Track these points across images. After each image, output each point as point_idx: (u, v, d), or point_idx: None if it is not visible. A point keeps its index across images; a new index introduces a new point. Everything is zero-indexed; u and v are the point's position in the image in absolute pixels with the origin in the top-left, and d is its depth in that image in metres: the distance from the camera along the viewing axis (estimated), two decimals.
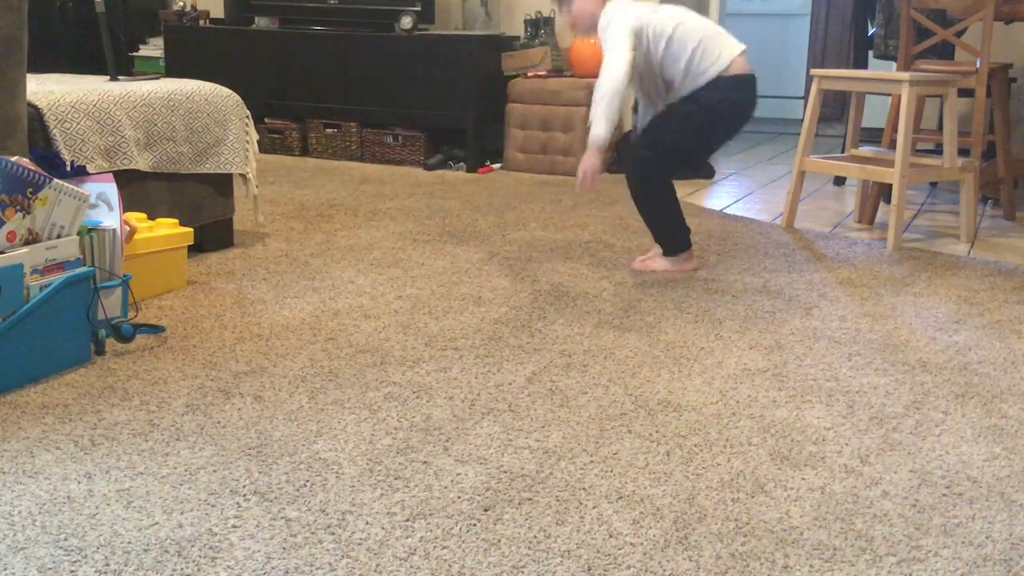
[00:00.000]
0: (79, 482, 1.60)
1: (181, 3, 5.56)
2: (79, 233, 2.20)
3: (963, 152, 3.81)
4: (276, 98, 5.31)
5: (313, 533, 1.46)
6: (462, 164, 5.01)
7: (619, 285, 2.87)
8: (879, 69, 4.66)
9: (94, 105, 2.70)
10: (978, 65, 3.77)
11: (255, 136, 3.24)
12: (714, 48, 2.92)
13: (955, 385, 2.15)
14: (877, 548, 1.47)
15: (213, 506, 1.54)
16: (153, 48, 5.71)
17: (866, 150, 3.93)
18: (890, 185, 3.59)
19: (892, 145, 3.77)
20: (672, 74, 2.94)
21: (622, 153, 5.10)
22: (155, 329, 2.32)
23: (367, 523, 1.50)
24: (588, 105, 4.88)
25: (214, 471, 1.66)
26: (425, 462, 1.71)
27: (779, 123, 7.19)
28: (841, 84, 3.81)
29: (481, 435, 1.82)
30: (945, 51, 4.53)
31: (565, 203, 4.11)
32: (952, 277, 3.07)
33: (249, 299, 2.64)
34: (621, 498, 1.59)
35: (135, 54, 5.74)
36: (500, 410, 1.94)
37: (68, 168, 2.33)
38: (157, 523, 1.48)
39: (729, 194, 4.59)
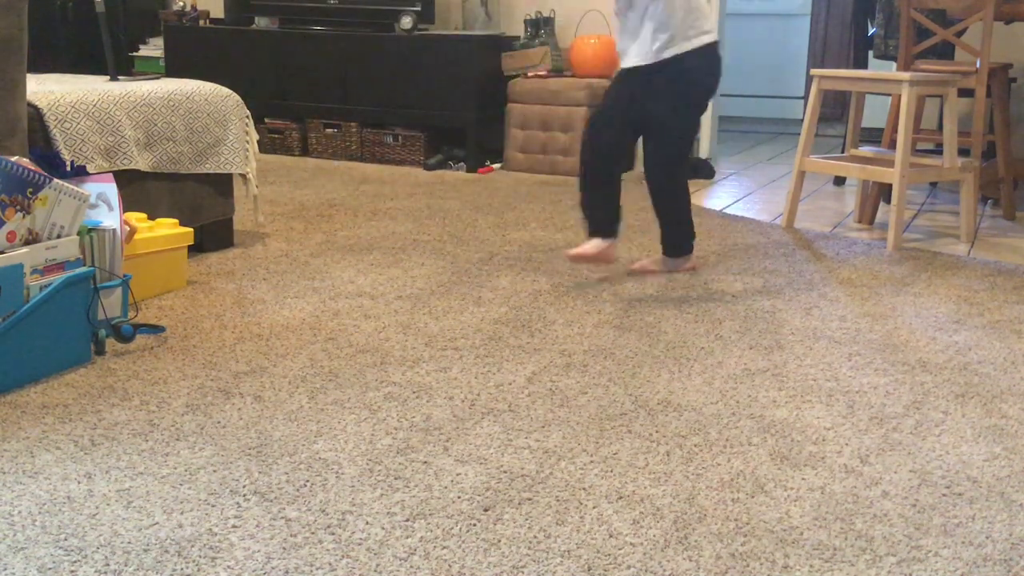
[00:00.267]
0: (79, 482, 1.60)
1: (181, 3, 5.56)
2: (79, 233, 2.20)
3: (963, 152, 3.81)
4: (276, 98, 5.31)
5: (313, 533, 1.46)
6: (462, 164, 5.01)
7: (619, 285, 2.88)
8: (879, 69, 4.66)
9: (94, 105, 2.70)
10: (978, 65, 3.77)
11: (255, 136, 3.24)
12: (703, 12, 2.86)
13: (955, 385, 2.15)
14: (877, 548, 1.47)
15: (213, 506, 1.54)
16: (153, 48, 5.71)
17: (866, 150, 3.93)
18: (890, 185, 3.59)
19: (892, 145, 3.77)
20: (666, 18, 2.77)
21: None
22: (155, 329, 2.32)
23: (367, 523, 1.50)
24: (588, 105, 4.89)
25: (214, 471, 1.66)
26: (425, 462, 1.71)
27: (779, 123, 7.19)
28: (841, 84, 3.81)
29: (481, 435, 1.82)
30: (945, 51, 4.53)
31: (565, 203, 4.11)
32: (952, 277, 3.07)
33: (249, 299, 2.64)
34: (621, 498, 1.59)
35: (135, 54, 5.74)
36: (500, 410, 1.94)
37: (68, 168, 2.33)
38: (157, 523, 1.48)
39: (729, 194, 4.59)
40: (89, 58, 5.16)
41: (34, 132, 2.52)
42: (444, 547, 1.44)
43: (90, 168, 2.54)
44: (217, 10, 5.68)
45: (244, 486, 1.60)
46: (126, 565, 1.37)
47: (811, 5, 7.17)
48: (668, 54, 2.78)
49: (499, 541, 1.46)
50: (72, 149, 2.62)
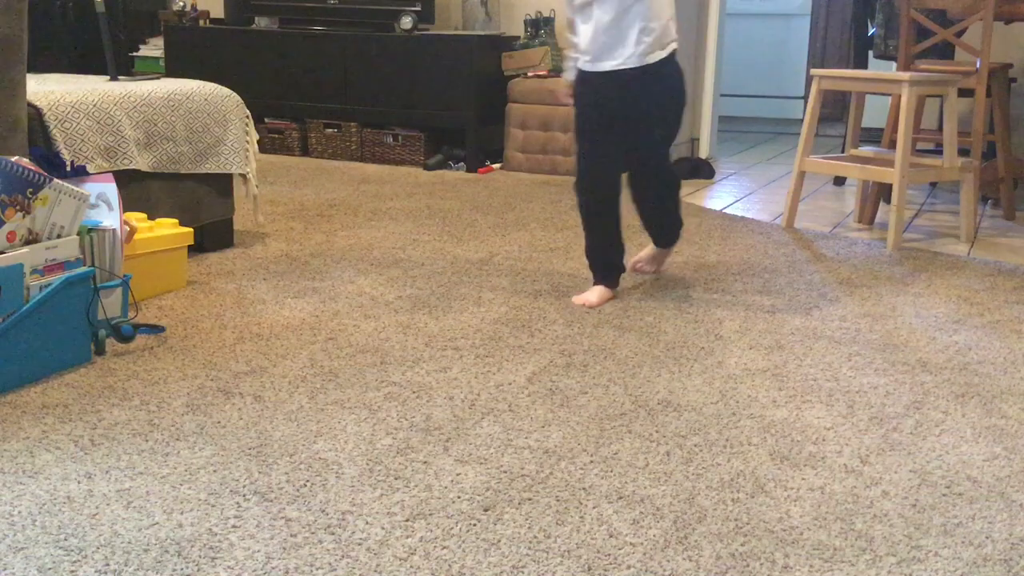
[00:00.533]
0: (79, 482, 1.60)
1: (181, 3, 5.56)
2: (79, 233, 2.20)
3: (963, 152, 3.81)
4: (276, 98, 5.31)
5: (313, 533, 1.46)
6: (462, 164, 5.01)
7: (619, 285, 2.87)
8: (879, 69, 4.67)
9: (94, 105, 2.70)
10: (978, 65, 3.77)
11: (255, 136, 3.24)
12: (674, 17, 2.68)
13: (955, 385, 2.15)
14: (877, 548, 1.47)
15: (213, 506, 1.54)
16: (153, 48, 5.71)
17: (866, 150, 3.93)
18: (890, 185, 3.59)
19: (892, 145, 3.77)
20: (653, 19, 2.58)
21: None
22: (155, 329, 2.32)
23: (367, 523, 1.50)
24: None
25: (214, 471, 1.66)
26: (425, 462, 1.71)
27: (779, 123, 7.20)
28: (841, 84, 3.81)
29: (481, 435, 1.82)
30: (945, 51, 4.53)
31: (565, 203, 4.11)
32: (952, 277, 3.07)
33: (249, 299, 2.64)
34: (621, 498, 1.59)
35: (135, 54, 5.74)
36: (500, 410, 1.94)
37: (68, 168, 2.33)
38: (157, 523, 1.48)
39: (729, 194, 4.59)
40: (89, 58, 5.16)
41: (34, 132, 2.52)
42: (444, 547, 1.44)
43: (90, 168, 2.54)
44: (217, 10, 5.68)
45: (244, 486, 1.60)
46: (126, 565, 1.37)
47: (811, 5, 7.17)
48: (653, 59, 2.59)
49: (499, 541, 1.46)
50: (72, 149, 2.62)
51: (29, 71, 2.46)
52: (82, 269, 2.15)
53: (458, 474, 1.66)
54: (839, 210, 4.24)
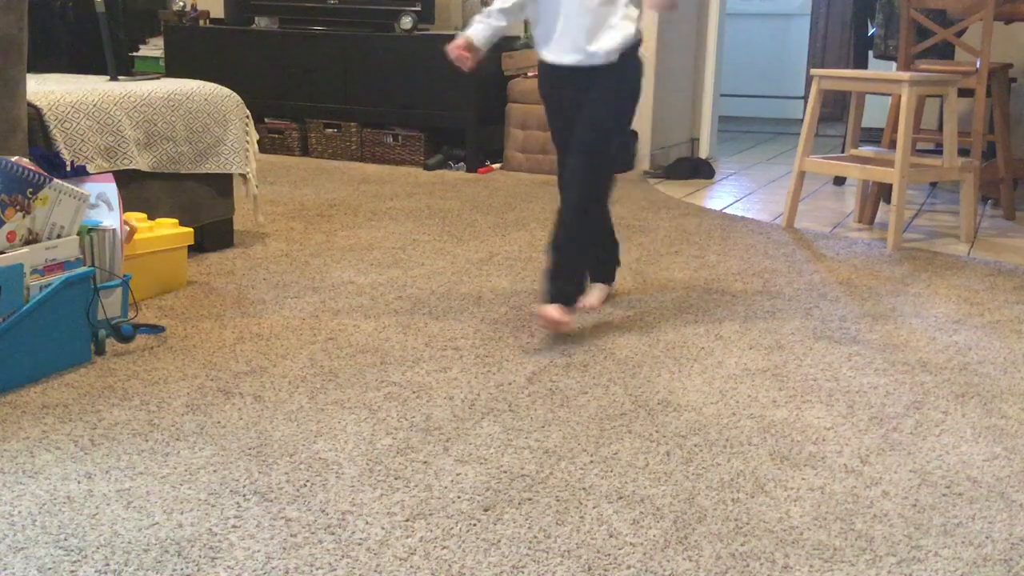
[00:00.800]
0: (79, 482, 1.60)
1: (181, 3, 5.56)
2: (79, 233, 2.20)
3: (963, 152, 3.81)
4: (276, 98, 5.31)
5: (313, 533, 1.46)
6: (462, 164, 5.01)
7: (619, 285, 2.87)
8: (879, 69, 4.66)
9: (94, 105, 2.70)
10: (978, 65, 3.77)
11: (255, 136, 3.24)
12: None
13: (955, 385, 2.15)
14: (877, 548, 1.47)
15: (213, 506, 1.54)
16: (153, 48, 5.71)
17: (866, 150, 3.93)
18: (890, 185, 3.59)
19: (892, 145, 3.77)
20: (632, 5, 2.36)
21: (620, 153, 5.11)
22: (155, 329, 2.32)
23: (367, 523, 1.50)
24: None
25: (214, 471, 1.66)
26: (425, 462, 1.71)
27: (779, 123, 7.20)
28: (841, 84, 3.81)
29: (481, 435, 1.82)
30: (945, 51, 4.53)
31: None
32: (952, 277, 3.07)
33: (249, 299, 2.64)
34: (621, 498, 1.59)
35: (135, 54, 5.74)
36: (500, 410, 1.94)
37: (68, 168, 2.33)
38: (157, 523, 1.48)
39: (729, 194, 4.59)
40: (89, 58, 5.16)
41: (34, 132, 2.52)
42: (444, 547, 1.44)
43: (90, 168, 2.54)
44: (217, 10, 5.68)
45: (244, 486, 1.60)
46: (126, 565, 1.37)
47: (811, 5, 7.17)
48: (624, 50, 2.37)
49: (499, 541, 1.46)
50: (72, 149, 2.62)
51: (29, 71, 2.46)
52: (82, 269, 2.15)
53: (458, 474, 1.66)
54: (839, 210, 4.24)
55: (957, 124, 3.58)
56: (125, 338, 2.22)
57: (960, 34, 3.96)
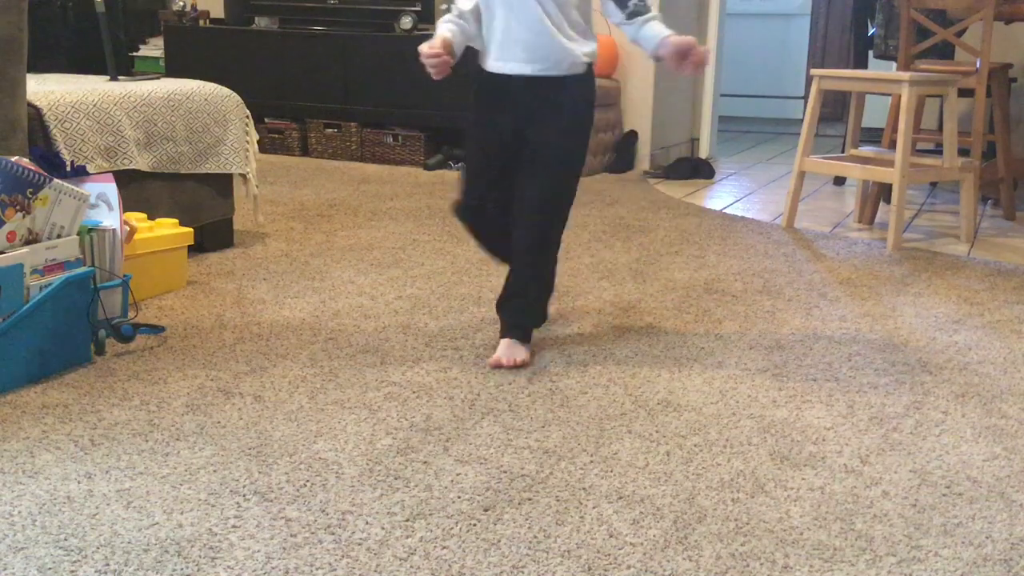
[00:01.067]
0: (79, 482, 1.60)
1: (181, 3, 5.56)
2: (79, 233, 2.20)
3: (963, 152, 3.81)
4: (276, 98, 5.31)
5: (313, 533, 1.46)
6: (462, 164, 5.01)
7: (619, 285, 2.87)
8: (879, 69, 4.66)
9: (94, 105, 2.70)
10: (978, 65, 3.77)
11: (255, 136, 3.24)
12: None
13: (955, 385, 2.15)
14: (877, 548, 1.47)
15: (213, 506, 1.54)
16: (153, 48, 5.71)
17: (866, 150, 3.94)
18: (890, 185, 3.59)
19: (892, 145, 3.77)
20: (580, 18, 2.15)
21: (619, 153, 5.11)
22: (155, 329, 2.32)
23: (367, 523, 1.50)
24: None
25: (214, 471, 1.66)
26: (425, 462, 1.71)
27: (779, 123, 7.20)
28: (841, 84, 3.81)
29: (481, 435, 1.82)
30: (945, 51, 4.53)
31: None
32: (952, 277, 3.07)
33: (249, 299, 2.64)
34: (621, 498, 1.59)
35: (135, 54, 5.74)
36: (500, 410, 1.94)
37: (68, 168, 2.33)
38: (157, 523, 1.48)
39: (729, 194, 4.59)
40: (89, 58, 5.16)
41: (34, 132, 2.52)
42: (444, 547, 1.44)
43: (90, 168, 2.54)
44: (217, 10, 5.68)
45: (244, 486, 1.60)
46: (126, 565, 1.37)
47: (811, 5, 7.17)
48: (588, 61, 2.18)
49: (499, 541, 1.46)
50: (72, 149, 2.62)
51: (29, 71, 2.46)
52: (82, 269, 2.15)
53: (458, 474, 1.66)
54: (839, 210, 4.24)
55: (957, 124, 3.58)
56: (125, 338, 2.22)
57: (960, 34, 3.96)
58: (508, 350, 2.19)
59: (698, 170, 5.00)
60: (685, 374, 2.17)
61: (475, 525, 1.50)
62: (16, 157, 2.13)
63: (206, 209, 3.10)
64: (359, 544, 1.44)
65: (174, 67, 5.39)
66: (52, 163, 2.29)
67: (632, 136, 5.16)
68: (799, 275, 3.05)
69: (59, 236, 2.15)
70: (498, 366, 2.16)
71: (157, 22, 5.78)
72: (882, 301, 2.78)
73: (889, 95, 4.09)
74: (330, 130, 5.23)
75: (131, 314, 2.34)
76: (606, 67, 4.96)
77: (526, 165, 2.20)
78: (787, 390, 2.09)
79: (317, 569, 1.37)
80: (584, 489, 1.62)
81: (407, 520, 1.51)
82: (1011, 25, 4.51)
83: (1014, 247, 3.56)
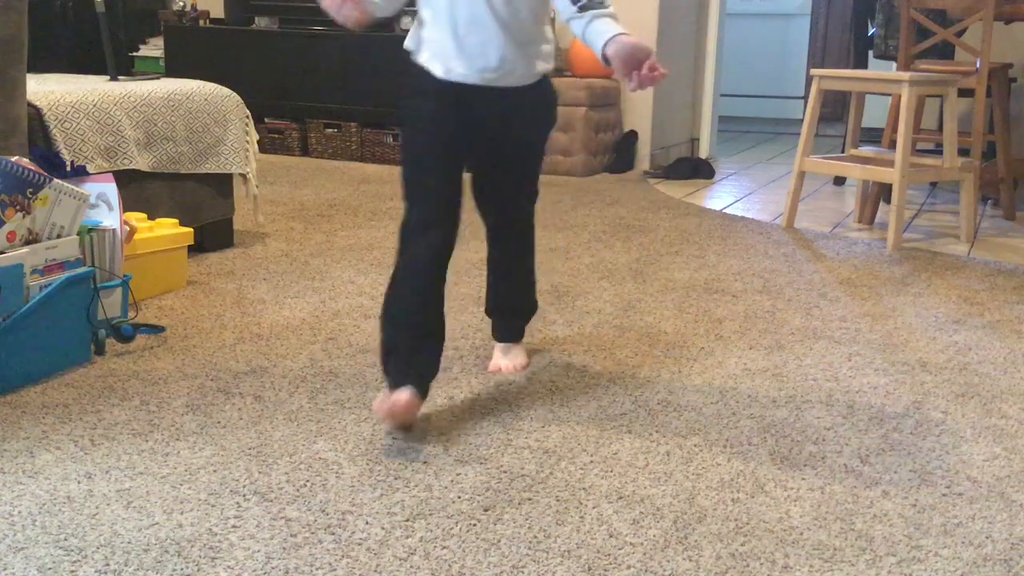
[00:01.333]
0: (79, 482, 1.60)
1: (181, 3, 5.56)
2: (79, 233, 2.20)
3: (963, 152, 3.81)
4: (276, 98, 5.31)
5: (313, 533, 1.46)
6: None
7: (619, 285, 2.87)
8: (879, 69, 4.66)
9: (94, 105, 2.70)
10: (978, 65, 3.77)
11: (255, 136, 3.24)
12: None
13: (955, 385, 2.15)
14: (877, 548, 1.47)
15: (213, 506, 1.54)
16: (153, 48, 5.71)
17: (866, 150, 3.94)
18: (890, 185, 3.59)
19: (892, 145, 3.77)
20: (536, 23, 1.91)
21: (619, 153, 5.11)
22: (155, 329, 2.32)
23: (367, 523, 1.50)
24: (588, 105, 4.89)
25: (214, 471, 1.66)
26: (425, 462, 1.71)
27: (779, 123, 7.20)
28: (841, 84, 3.81)
29: (481, 435, 1.82)
30: (945, 51, 4.53)
31: (565, 203, 4.11)
32: (952, 277, 3.07)
33: (249, 299, 2.64)
34: (621, 498, 1.59)
35: (135, 54, 5.74)
36: (500, 410, 1.94)
37: (68, 168, 2.33)
38: (157, 523, 1.48)
39: (729, 194, 4.59)
40: (89, 58, 5.16)
41: (34, 132, 2.52)
42: (444, 547, 1.44)
43: (90, 168, 2.54)
44: (217, 10, 5.68)
45: (244, 486, 1.60)
46: (126, 565, 1.37)
47: (811, 5, 7.18)
48: (545, 68, 1.97)
49: (499, 541, 1.46)
50: (72, 149, 2.62)
51: (29, 71, 2.46)
52: (82, 269, 2.15)
53: (458, 474, 1.66)
54: (839, 210, 4.24)
55: (957, 124, 3.58)
56: (125, 338, 2.22)
57: (960, 34, 3.96)
58: (507, 355, 2.18)
59: (698, 170, 5.00)
60: (685, 374, 2.17)
61: (475, 525, 1.50)
62: (16, 157, 2.13)
63: (206, 209, 3.10)
64: (359, 544, 1.44)
65: (174, 67, 5.40)
66: (52, 163, 2.29)
67: (632, 136, 5.16)
68: (799, 275, 3.05)
69: (59, 236, 2.15)
70: (498, 372, 2.16)
71: (157, 22, 5.78)
72: (882, 301, 2.78)
73: (889, 95, 4.09)
74: (330, 130, 5.23)
75: (131, 314, 2.34)
76: (605, 68, 4.96)
77: (489, 178, 2.13)
78: (787, 390, 2.09)
79: (317, 569, 1.37)
80: (584, 489, 1.62)
81: (407, 520, 1.51)
82: (1011, 25, 4.51)
83: (1014, 247, 3.56)
